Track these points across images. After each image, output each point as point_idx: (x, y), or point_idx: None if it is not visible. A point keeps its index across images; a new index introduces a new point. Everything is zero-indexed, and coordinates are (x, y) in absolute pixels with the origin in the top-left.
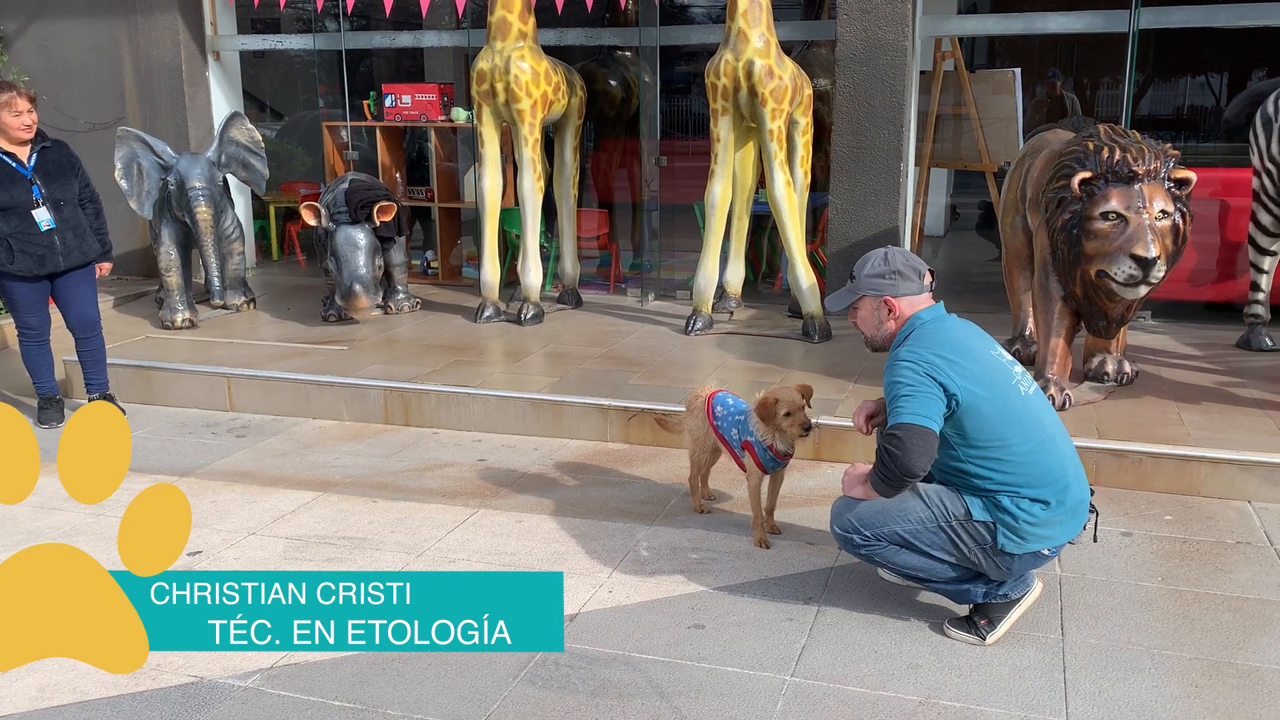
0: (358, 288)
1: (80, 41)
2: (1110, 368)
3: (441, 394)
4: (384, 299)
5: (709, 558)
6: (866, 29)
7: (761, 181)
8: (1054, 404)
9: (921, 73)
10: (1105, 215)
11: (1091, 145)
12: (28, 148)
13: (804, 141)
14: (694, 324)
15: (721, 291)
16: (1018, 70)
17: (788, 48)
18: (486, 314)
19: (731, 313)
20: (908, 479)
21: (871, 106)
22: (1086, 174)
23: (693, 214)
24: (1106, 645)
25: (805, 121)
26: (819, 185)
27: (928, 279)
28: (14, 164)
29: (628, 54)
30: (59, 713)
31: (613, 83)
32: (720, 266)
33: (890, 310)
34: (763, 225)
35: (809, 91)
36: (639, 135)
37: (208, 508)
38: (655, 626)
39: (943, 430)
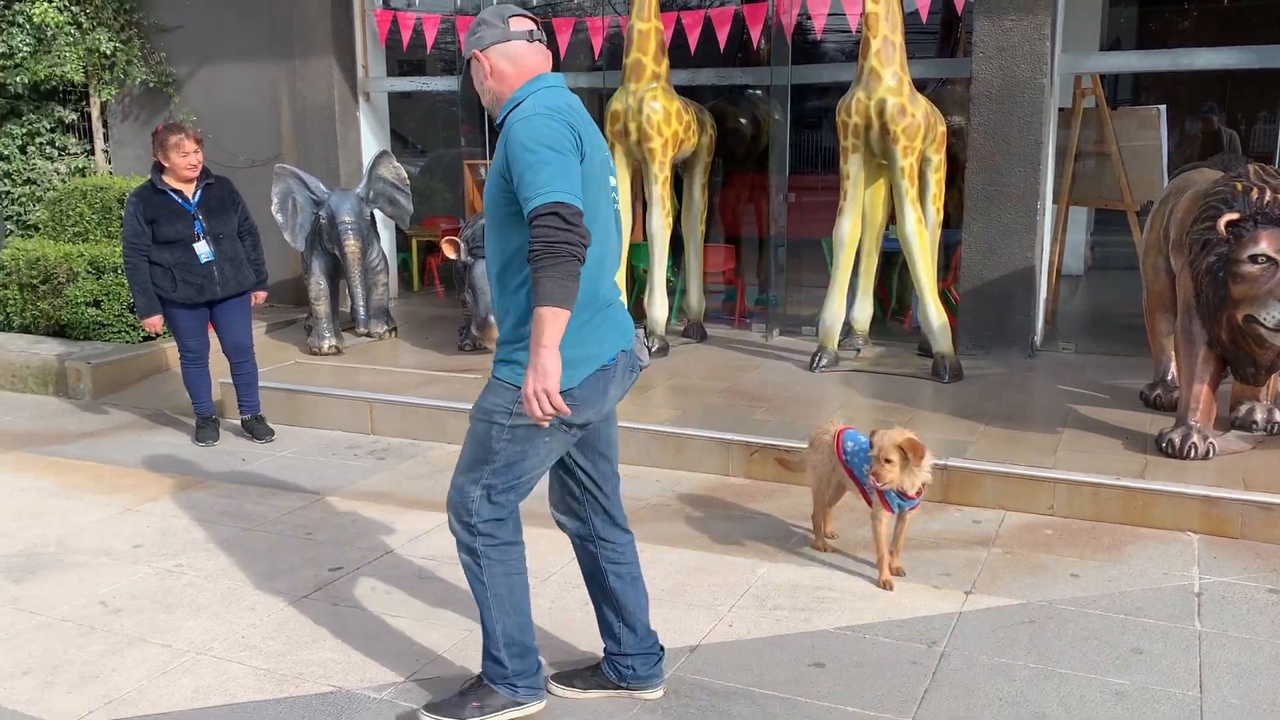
0: (492, 319)
1: (243, 84)
2: (1259, 416)
3: None
4: None
5: (831, 596)
6: (1002, 67)
7: (892, 218)
8: (1197, 452)
9: (1060, 110)
10: (1254, 258)
11: (1240, 186)
12: (193, 184)
13: (937, 179)
14: (819, 360)
15: (848, 328)
16: (1162, 107)
17: (921, 85)
18: None
19: (858, 350)
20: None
21: (1007, 144)
22: (1234, 215)
23: (820, 250)
24: (1249, 705)
25: (938, 159)
26: (952, 222)
27: (523, 24)
28: (180, 200)
29: (758, 92)
30: (211, 713)
31: (743, 121)
32: (848, 303)
33: (488, 68)
34: (893, 262)
35: (942, 129)
36: (768, 172)
37: (349, 527)
38: (775, 662)
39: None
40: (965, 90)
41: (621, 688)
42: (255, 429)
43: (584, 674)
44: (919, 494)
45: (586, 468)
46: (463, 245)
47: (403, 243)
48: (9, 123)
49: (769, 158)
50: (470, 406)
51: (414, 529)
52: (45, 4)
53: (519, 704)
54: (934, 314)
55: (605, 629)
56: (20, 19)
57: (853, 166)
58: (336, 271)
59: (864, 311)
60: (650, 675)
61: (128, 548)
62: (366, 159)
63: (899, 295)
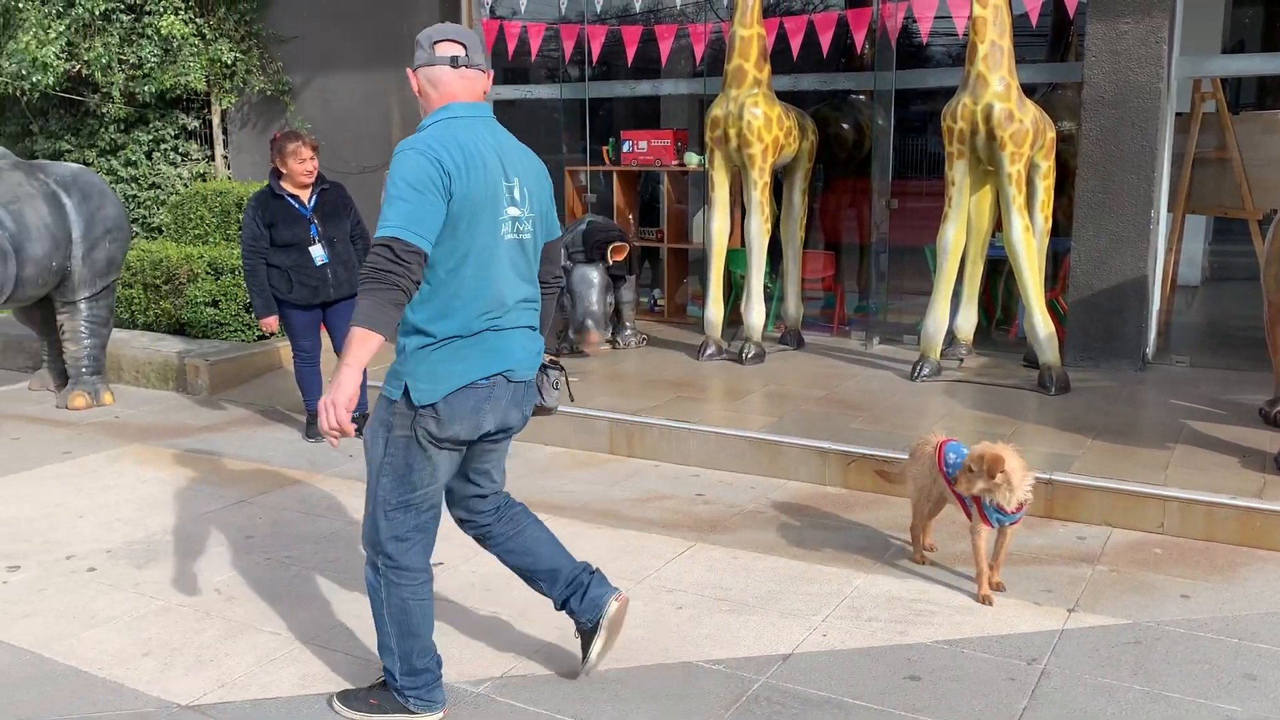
0: (590, 323)
1: (355, 92)
2: None
3: (663, 428)
4: (613, 335)
5: (928, 609)
6: (1116, 71)
7: (998, 226)
8: None
9: (1177, 114)
10: None
11: None
12: (309, 190)
13: (1045, 186)
14: (921, 370)
15: (952, 338)
16: None
17: (1030, 90)
18: (709, 352)
19: (961, 360)
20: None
21: (1120, 150)
22: None
23: (923, 257)
24: None
25: (1047, 165)
26: (1060, 230)
27: (449, 49)
28: (296, 205)
29: (861, 97)
30: (317, 700)
31: (845, 126)
32: (952, 312)
33: (415, 88)
34: (999, 270)
35: (1051, 135)
36: (870, 177)
37: (449, 522)
38: (869, 674)
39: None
40: (1076, 95)
41: (588, 626)
42: (363, 427)
43: (582, 637)
44: (1019, 510)
45: (467, 488)
46: (563, 250)
47: None
48: (136, 130)
49: (871, 163)
50: (567, 408)
51: None
52: (172, 17)
53: (410, 713)
54: (1041, 324)
55: (538, 590)
56: (149, 31)
57: (958, 173)
58: None
59: (968, 320)
60: (592, 603)
61: (241, 538)
62: None
63: (1005, 304)
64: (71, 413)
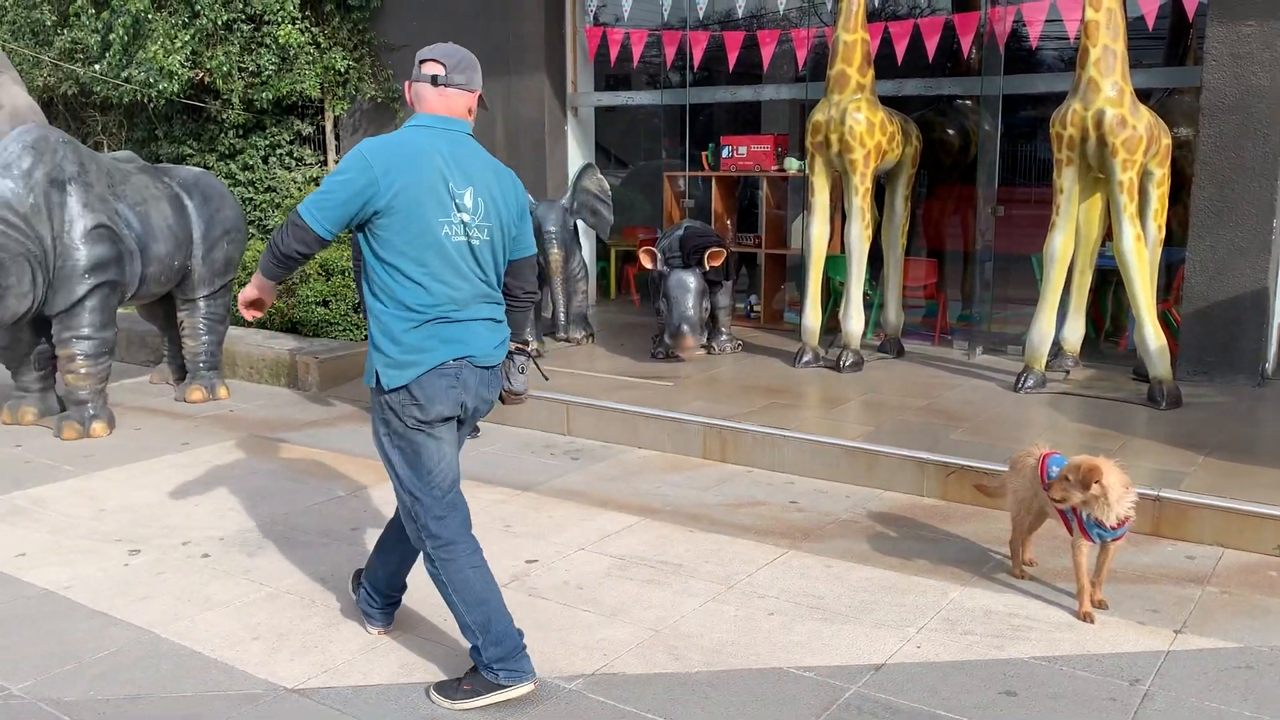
0: (685, 328)
1: None
2: None
3: (757, 434)
4: (708, 340)
5: (1026, 624)
6: (1238, 75)
7: (1109, 234)
8: None
9: None
10: None
11: None
12: None
13: (1159, 194)
14: (1025, 381)
15: (1058, 349)
16: None
17: (1145, 95)
18: (805, 359)
19: (1068, 372)
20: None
21: (1240, 158)
22: None
23: (1029, 266)
24: None
25: (1161, 173)
26: (1175, 240)
27: (430, 69)
28: None
29: (968, 102)
30: (413, 689)
31: (950, 131)
32: (1058, 322)
33: (408, 98)
34: (1109, 280)
35: (1166, 141)
36: (975, 184)
37: (544, 522)
38: (964, 687)
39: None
40: (1194, 100)
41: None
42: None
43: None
44: (1120, 525)
45: None
46: (659, 255)
47: (602, 252)
48: (254, 135)
49: (977, 169)
50: (662, 412)
51: (605, 528)
52: (290, 26)
53: (502, 687)
54: (1152, 336)
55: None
56: (268, 40)
57: (1066, 180)
58: (540, 279)
59: (1075, 331)
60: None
61: (346, 530)
62: (572, 171)
63: (1115, 315)
64: (189, 405)
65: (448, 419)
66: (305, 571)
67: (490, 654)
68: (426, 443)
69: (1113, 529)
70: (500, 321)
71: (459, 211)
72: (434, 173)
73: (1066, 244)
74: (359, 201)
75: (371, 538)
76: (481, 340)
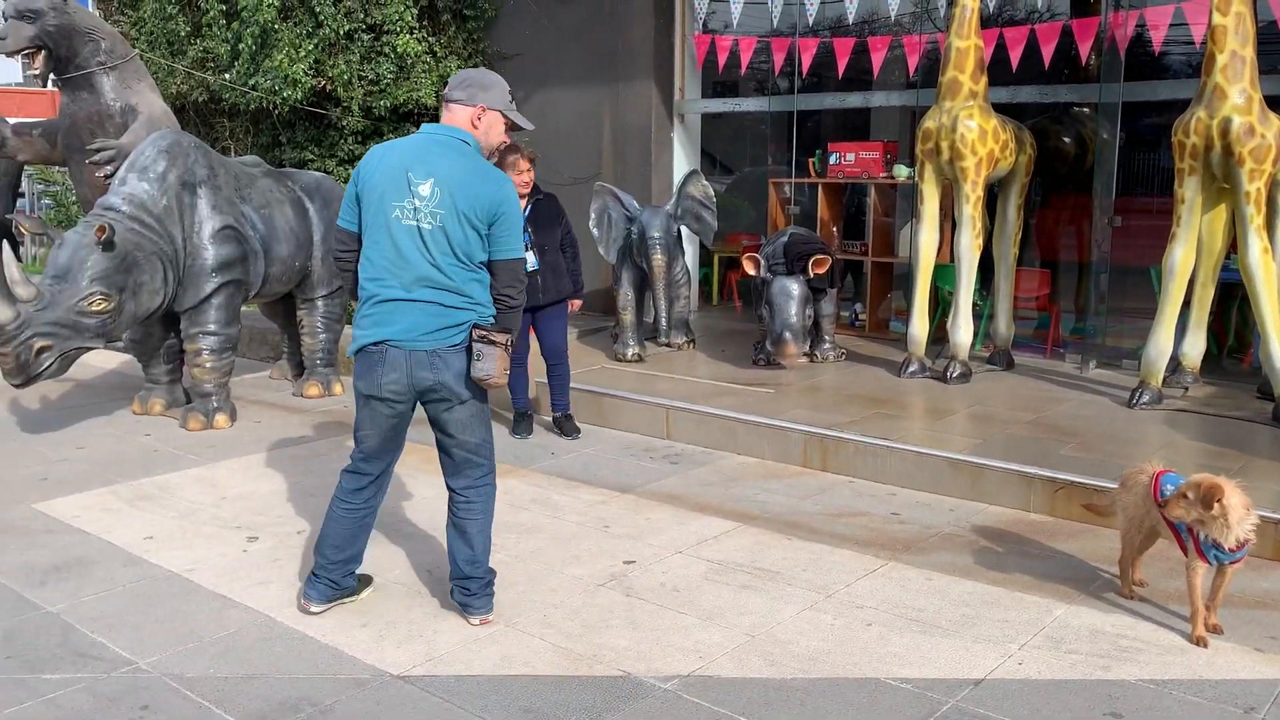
0: (787, 335)
1: (571, 108)
2: None
3: (859, 444)
4: (811, 347)
5: (1134, 646)
6: None
7: (1234, 247)
8: None
9: None
10: None
11: None
12: (525, 200)
13: None
14: (1140, 397)
15: (1176, 364)
16: None
17: (1276, 104)
18: (911, 369)
19: (1186, 388)
20: None
21: None
22: None
23: (1148, 278)
24: None
25: None
26: None
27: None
28: None
29: (1085, 110)
30: (514, 681)
31: (1066, 139)
32: (1177, 337)
33: None
34: (1233, 295)
35: None
36: (1092, 193)
37: (642, 524)
38: (1065, 706)
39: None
40: None
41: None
42: (564, 426)
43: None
44: (1239, 549)
45: (439, 439)
46: (762, 262)
47: (706, 258)
48: (372, 141)
49: (1094, 178)
50: (761, 419)
51: (703, 532)
52: (408, 36)
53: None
54: (1277, 353)
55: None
56: (387, 49)
57: (1189, 190)
58: (643, 284)
59: (1195, 347)
60: (466, 602)
61: None
62: (677, 177)
63: (1239, 331)
64: (306, 400)
65: (371, 396)
66: (412, 563)
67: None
68: (360, 407)
69: (1231, 551)
70: (451, 308)
71: (413, 198)
72: (398, 164)
73: (1187, 256)
74: (353, 193)
75: None
76: (410, 323)
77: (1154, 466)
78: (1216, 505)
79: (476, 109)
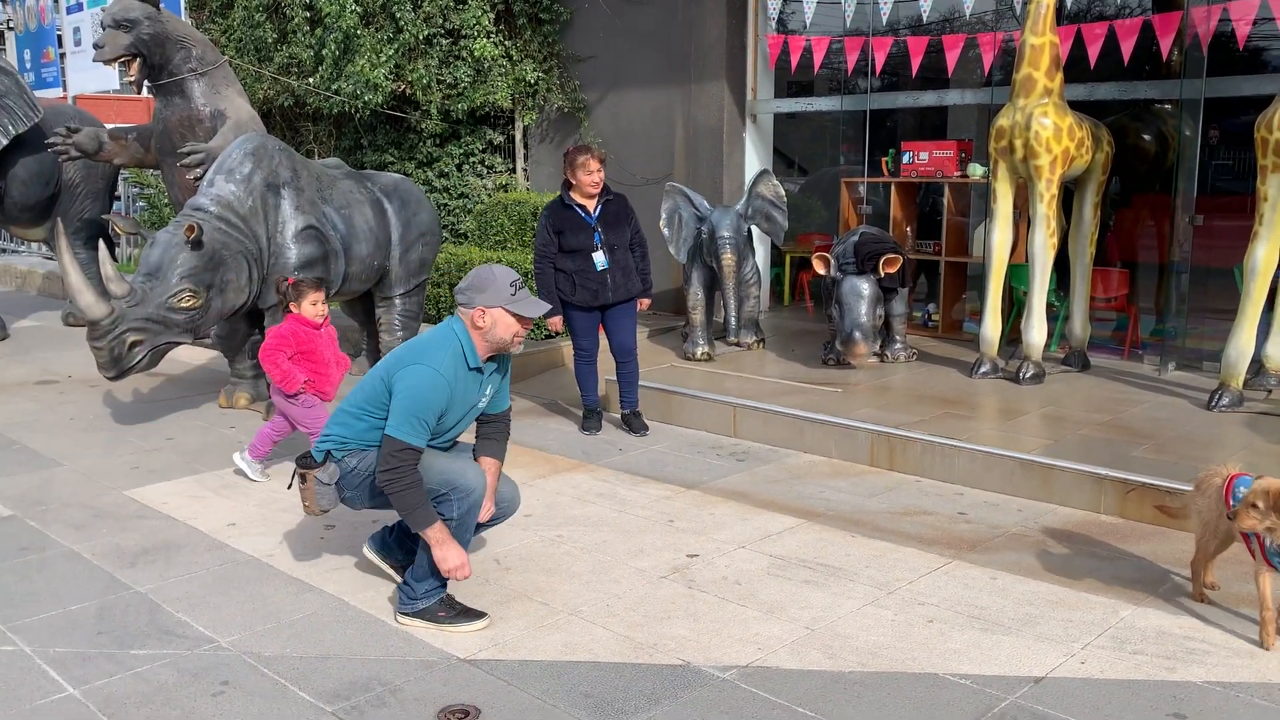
0: (857, 335)
1: (643, 108)
2: None
3: (927, 443)
4: (881, 347)
5: (1201, 649)
6: None
7: None
8: None
9: None
10: None
11: None
12: (594, 200)
13: None
14: (1219, 399)
15: (1259, 367)
16: None
17: None
18: (983, 370)
19: (1269, 391)
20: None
21: None
22: None
23: (1230, 278)
24: None
25: None
26: None
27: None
28: (583, 214)
29: (1166, 106)
30: (575, 667)
31: (1146, 137)
32: (1260, 338)
33: None
34: None
35: None
36: (1172, 192)
37: (706, 519)
38: (1128, 706)
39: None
40: None
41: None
42: (632, 423)
43: None
44: None
45: None
46: (833, 261)
47: (776, 258)
48: (449, 144)
49: (1175, 176)
50: (828, 417)
51: (767, 529)
52: (484, 40)
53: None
54: None
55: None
56: (464, 53)
57: (1272, 187)
58: (713, 283)
59: (1278, 349)
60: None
61: (519, 516)
62: (749, 177)
63: None
64: None
65: None
66: (482, 552)
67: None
68: None
69: None
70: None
71: None
72: None
73: (1270, 255)
74: None
75: (541, 523)
76: None
77: (1229, 469)
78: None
79: (475, 311)
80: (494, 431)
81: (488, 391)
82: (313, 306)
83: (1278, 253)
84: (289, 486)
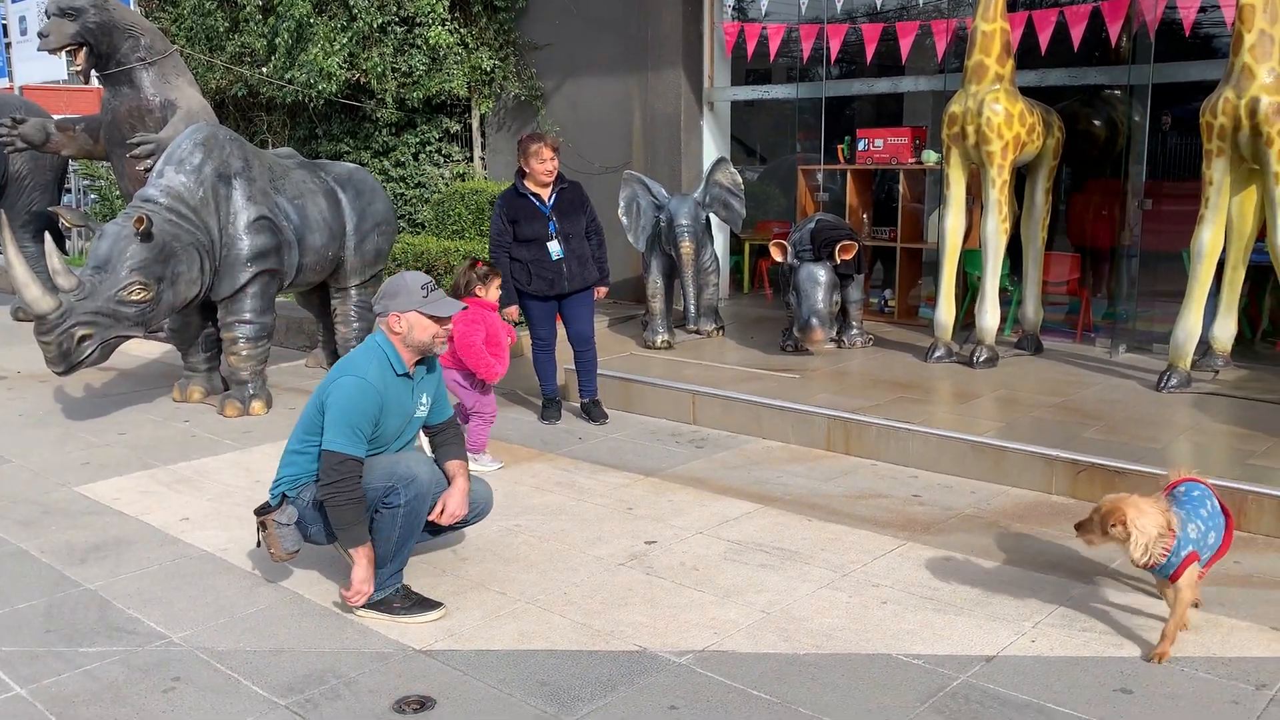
0: (814, 321)
1: (601, 96)
2: None
3: (882, 427)
4: (838, 333)
5: (1149, 625)
6: None
7: (1264, 230)
8: None
9: None
10: None
11: None
12: (549, 188)
13: None
14: (1168, 380)
15: (1207, 348)
16: None
17: None
18: (937, 354)
19: (1216, 371)
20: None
21: None
22: None
23: (1180, 262)
24: None
25: None
26: None
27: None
28: (537, 202)
29: (1116, 93)
30: (532, 655)
31: (1096, 123)
32: (1207, 320)
33: None
34: (1268, 277)
35: None
36: (1122, 177)
37: (665, 506)
38: (1077, 683)
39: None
40: None
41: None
42: (592, 412)
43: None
44: (1155, 567)
45: None
46: (790, 249)
47: (736, 246)
48: (405, 133)
49: (1124, 161)
50: (786, 403)
51: (724, 514)
52: (440, 28)
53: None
54: None
55: None
56: (419, 41)
57: (1216, 171)
58: (672, 271)
59: (1225, 330)
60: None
61: None
62: (707, 165)
63: (1274, 314)
64: None
65: None
66: (438, 543)
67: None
68: None
69: (1149, 569)
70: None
71: None
72: None
73: (1215, 238)
74: None
75: (499, 513)
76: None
77: (1180, 472)
78: (1118, 529)
79: (391, 317)
80: (447, 438)
81: (423, 399)
82: (496, 290)
83: (1223, 235)
84: (258, 544)
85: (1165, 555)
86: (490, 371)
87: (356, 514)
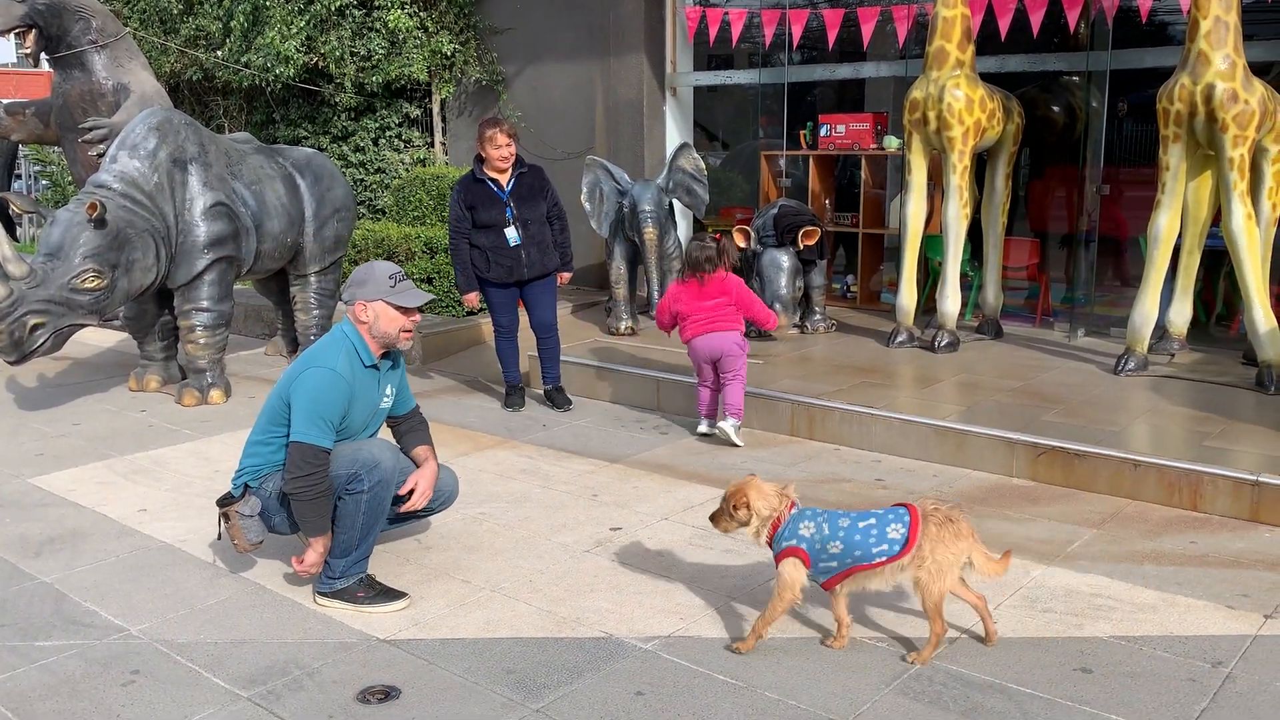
0: (777, 307)
1: (563, 82)
2: None
3: (845, 412)
4: (801, 319)
5: (1108, 605)
6: None
7: (1219, 215)
8: None
9: None
10: None
11: None
12: (507, 174)
13: (1273, 171)
14: (1125, 363)
15: (1163, 331)
16: None
17: (1264, 69)
18: (899, 339)
19: (1172, 355)
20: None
21: None
22: None
23: (1138, 246)
24: None
25: (1277, 149)
26: None
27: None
28: (495, 188)
29: (1075, 79)
30: (497, 643)
31: (1055, 109)
32: (1164, 304)
33: None
34: (1222, 262)
35: None
36: (1081, 162)
37: (630, 492)
38: (1038, 663)
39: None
40: None
41: None
42: (556, 398)
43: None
44: (780, 557)
45: None
46: (753, 234)
47: (698, 231)
48: (365, 118)
49: (1082, 147)
50: (750, 389)
51: (689, 499)
52: (399, 11)
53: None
54: (1262, 319)
55: None
56: (378, 25)
57: (1173, 157)
58: (636, 257)
59: (1181, 314)
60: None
61: None
62: (669, 151)
63: (1228, 298)
64: None
65: None
66: (403, 534)
67: None
68: None
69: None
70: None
71: None
72: None
73: (1172, 223)
74: None
75: (463, 501)
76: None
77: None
78: (743, 511)
79: (357, 305)
80: (412, 425)
81: (388, 391)
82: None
83: (1179, 220)
84: (219, 536)
85: (769, 542)
86: (771, 320)
87: (323, 509)
